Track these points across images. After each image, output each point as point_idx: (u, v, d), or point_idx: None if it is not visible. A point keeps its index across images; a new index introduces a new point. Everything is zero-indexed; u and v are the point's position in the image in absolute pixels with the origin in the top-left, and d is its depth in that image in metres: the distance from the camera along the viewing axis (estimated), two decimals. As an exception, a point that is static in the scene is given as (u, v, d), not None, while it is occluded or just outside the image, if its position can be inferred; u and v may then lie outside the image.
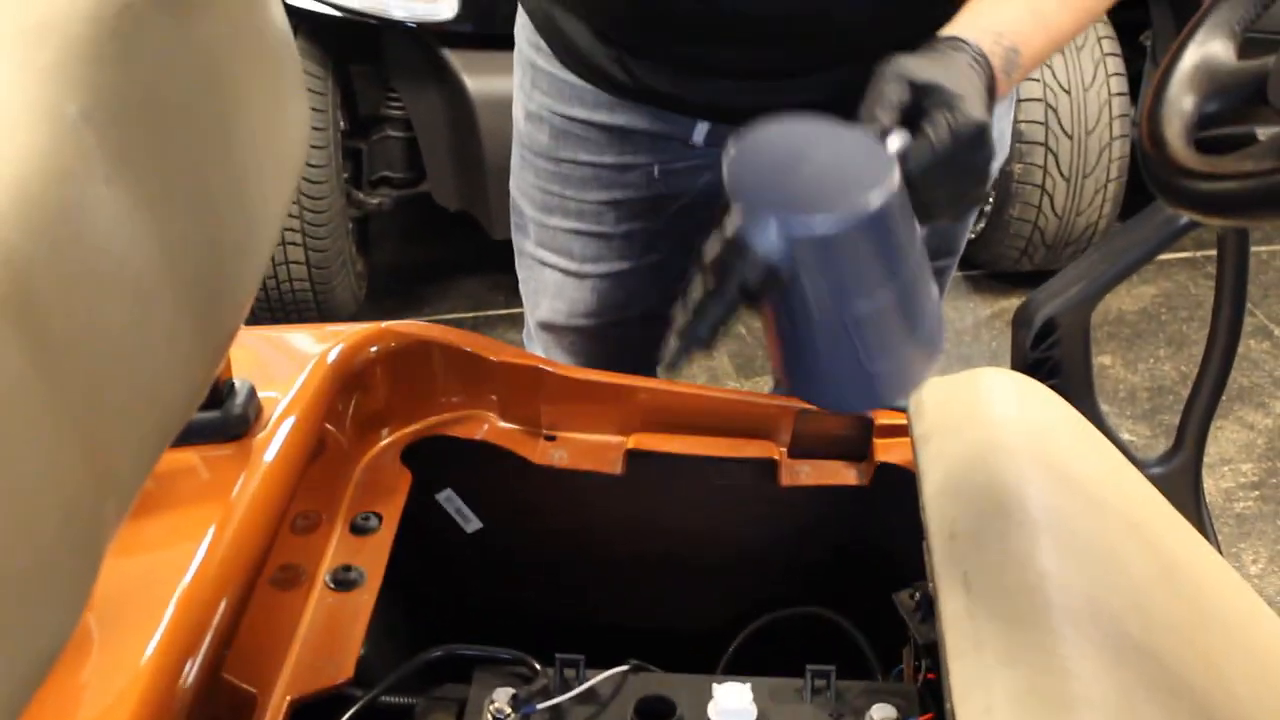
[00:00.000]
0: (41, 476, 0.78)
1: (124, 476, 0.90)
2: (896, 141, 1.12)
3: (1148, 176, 1.01)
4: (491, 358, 1.57)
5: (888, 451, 1.52)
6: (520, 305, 2.05)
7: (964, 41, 1.24)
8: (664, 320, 2.02)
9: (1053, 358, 1.57)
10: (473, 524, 1.61)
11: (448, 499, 1.60)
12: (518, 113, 1.87)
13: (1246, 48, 1.08)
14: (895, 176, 1.05)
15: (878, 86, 1.16)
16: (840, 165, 1.06)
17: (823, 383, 1.16)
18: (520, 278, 2.01)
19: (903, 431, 1.48)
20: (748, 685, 1.32)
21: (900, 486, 1.45)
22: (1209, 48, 1.07)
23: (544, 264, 1.91)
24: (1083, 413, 1.46)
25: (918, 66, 1.17)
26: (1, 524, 0.74)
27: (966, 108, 1.14)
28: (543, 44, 1.77)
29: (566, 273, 1.90)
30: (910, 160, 1.12)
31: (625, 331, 1.93)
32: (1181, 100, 1.04)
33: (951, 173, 1.15)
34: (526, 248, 1.94)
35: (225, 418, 1.31)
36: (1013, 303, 4.05)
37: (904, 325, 1.14)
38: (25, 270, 0.77)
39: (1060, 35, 1.38)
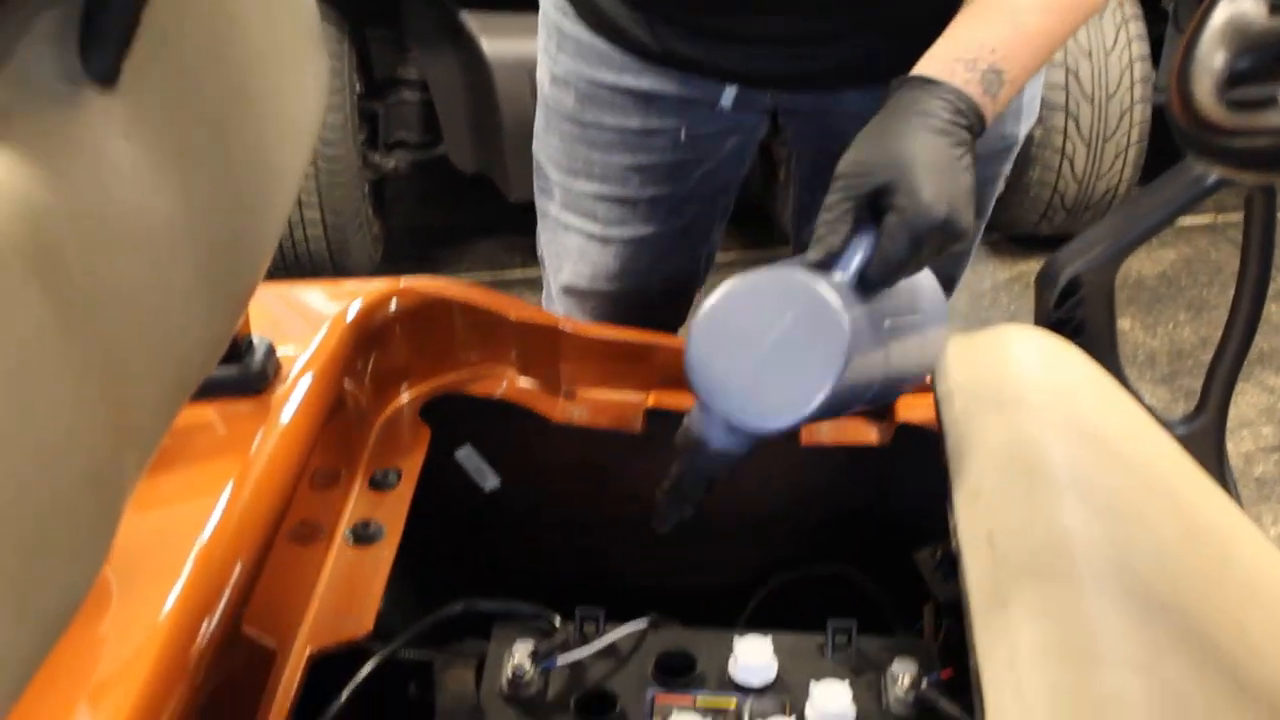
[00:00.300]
0: (62, 428, 0.78)
1: (144, 430, 0.89)
2: (857, 256, 1.16)
3: (1177, 133, 1.00)
4: (510, 315, 1.56)
5: (909, 410, 1.51)
6: (537, 268, 2.04)
7: (936, 83, 1.22)
8: (689, 285, 2.02)
9: (1076, 317, 1.55)
10: (491, 481, 1.61)
11: (466, 456, 1.60)
12: (542, 75, 1.86)
13: (1278, 5, 1.07)
14: (843, 348, 1.12)
15: (829, 198, 1.17)
16: (790, 351, 1.13)
17: None
18: (542, 241, 1.99)
19: (925, 390, 1.47)
20: (768, 640, 1.31)
21: (921, 445, 1.44)
22: (1240, 5, 1.05)
23: (568, 228, 1.90)
24: (1107, 369, 1.45)
25: (872, 160, 1.16)
26: (23, 476, 0.74)
27: (924, 208, 1.14)
28: (569, 7, 1.76)
29: (590, 237, 1.89)
30: (871, 270, 1.16)
31: (649, 297, 1.92)
32: (1212, 57, 1.03)
33: (919, 263, 1.18)
34: (550, 211, 1.93)
35: (244, 373, 1.31)
36: (1031, 266, 4.03)
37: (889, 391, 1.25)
38: (45, 223, 0.77)
39: (1048, 42, 1.36)
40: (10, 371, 0.71)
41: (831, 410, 1.16)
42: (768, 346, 1.14)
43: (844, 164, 1.18)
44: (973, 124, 1.22)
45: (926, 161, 1.17)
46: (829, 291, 1.14)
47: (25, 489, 0.73)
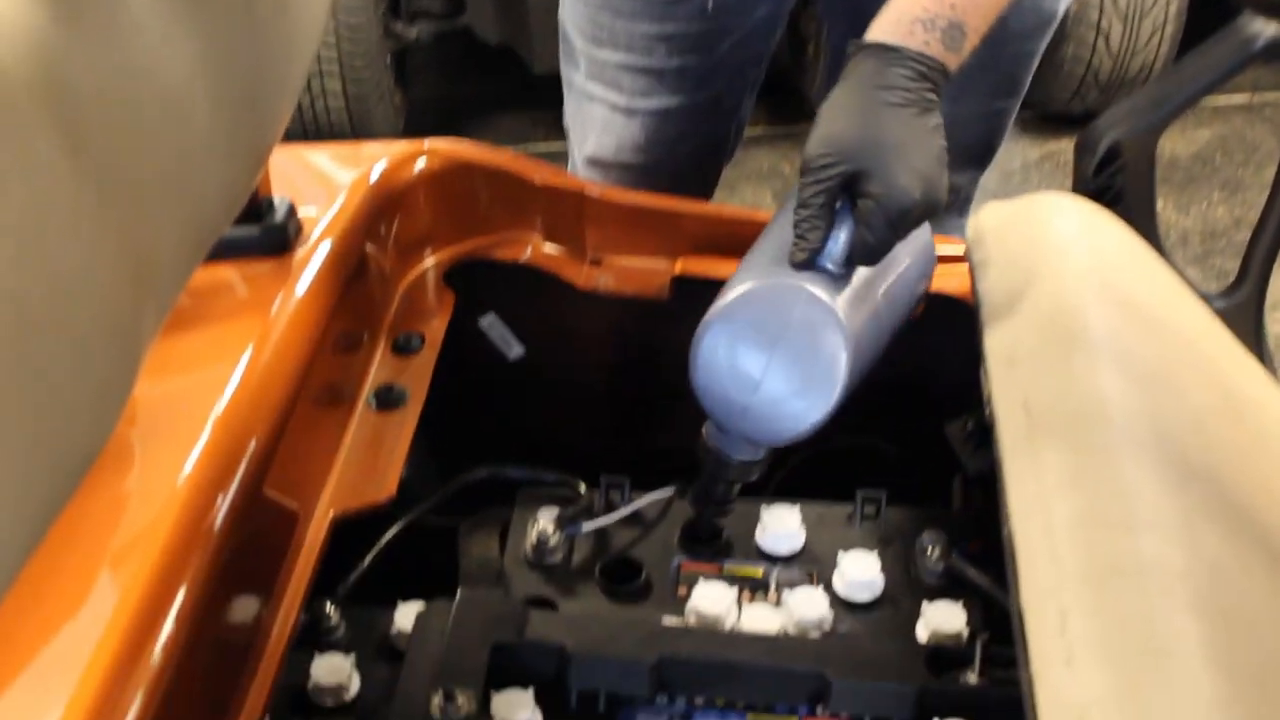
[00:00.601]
0: (78, 271, 0.75)
1: (163, 280, 0.87)
2: (839, 243, 1.15)
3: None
4: (535, 179, 1.53)
5: (941, 280, 1.47)
6: (562, 142, 2.00)
7: (895, 50, 1.16)
8: (716, 157, 1.98)
9: (1115, 185, 1.51)
10: (516, 349, 1.58)
11: (490, 324, 1.57)
12: None
13: None
14: (845, 347, 1.13)
15: (802, 193, 1.15)
16: (794, 359, 1.14)
17: None
18: (567, 112, 1.96)
19: (956, 260, 1.44)
20: (796, 509, 1.30)
21: (953, 317, 1.41)
22: None
23: (592, 98, 1.86)
24: (1145, 239, 1.41)
25: (838, 147, 1.13)
26: (39, 321, 0.71)
27: (897, 192, 1.12)
28: None
29: (615, 108, 1.85)
30: (855, 256, 1.15)
31: (675, 169, 1.88)
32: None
33: (902, 239, 1.16)
34: (575, 80, 1.89)
35: (265, 232, 1.28)
36: (1063, 145, 3.96)
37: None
38: (59, 62, 0.74)
39: None
40: (22, 211, 0.69)
41: (850, 391, 1.17)
42: (772, 359, 1.15)
43: (810, 149, 1.15)
44: (937, 82, 1.17)
45: (894, 143, 1.14)
46: (822, 294, 1.14)
47: (41, 333, 0.71)
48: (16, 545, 0.71)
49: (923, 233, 1.31)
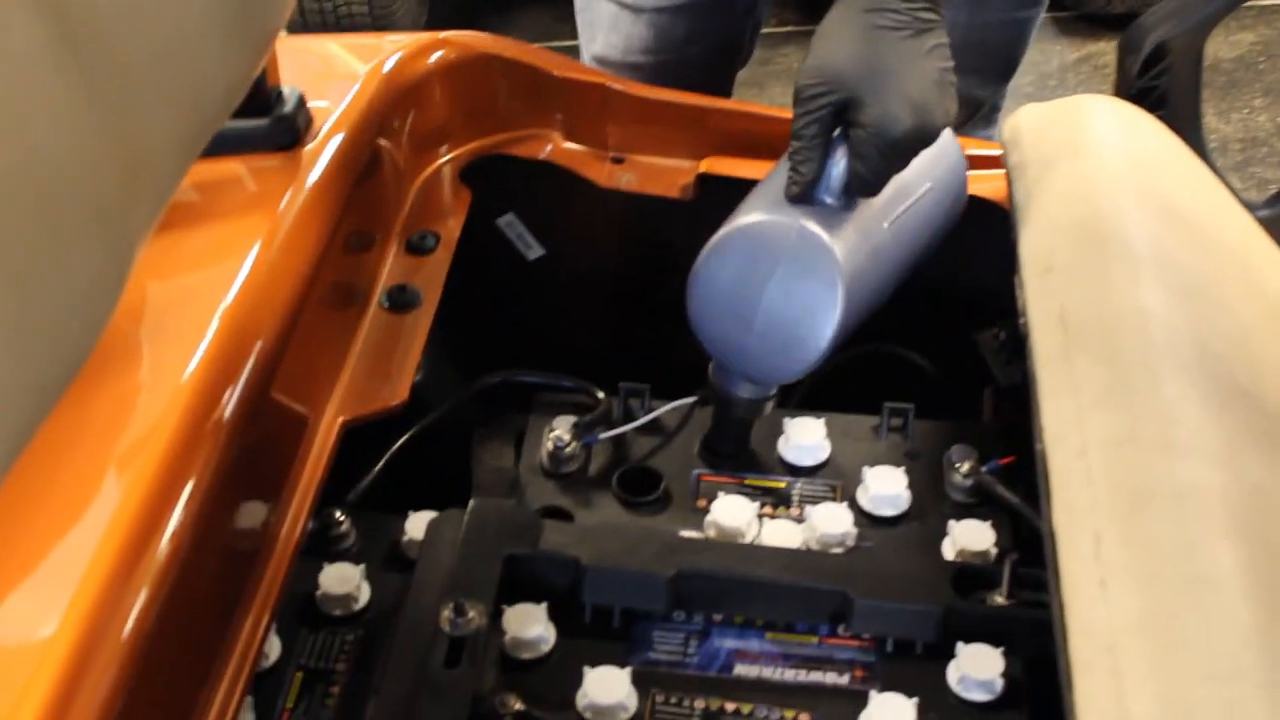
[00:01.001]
0: (62, 165, 0.71)
1: (157, 175, 0.83)
2: (836, 173, 1.12)
3: None
4: (556, 73, 1.48)
5: (975, 184, 1.42)
6: (587, 40, 1.95)
7: None
8: (729, 59, 1.92)
9: (1160, 86, 1.46)
10: (535, 250, 1.54)
11: (509, 224, 1.53)
12: None
13: None
14: (838, 280, 1.10)
15: (795, 124, 1.12)
16: (790, 296, 1.12)
17: None
18: (576, 8, 1.91)
19: (994, 163, 1.39)
20: (821, 421, 1.26)
21: (986, 221, 1.36)
22: None
23: None
24: (1190, 144, 1.36)
25: (826, 76, 1.09)
26: (23, 215, 0.67)
27: (888, 121, 1.08)
28: None
29: (623, 5, 1.80)
30: (853, 188, 1.12)
31: (684, 70, 1.82)
32: None
33: (901, 167, 1.13)
34: None
35: (273, 125, 1.23)
36: (1101, 47, 3.87)
37: None
38: None
39: None
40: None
41: (852, 327, 1.16)
42: (767, 296, 1.12)
43: (802, 79, 1.11)
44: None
45: (885, 68, 1.09)
46: (816, 228, 1.11)
47: (20, 228, 0.67)
48: None
49: (948, 153, 1.26)
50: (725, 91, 1.95)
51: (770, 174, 1.19)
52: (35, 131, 0.68)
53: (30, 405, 0.71)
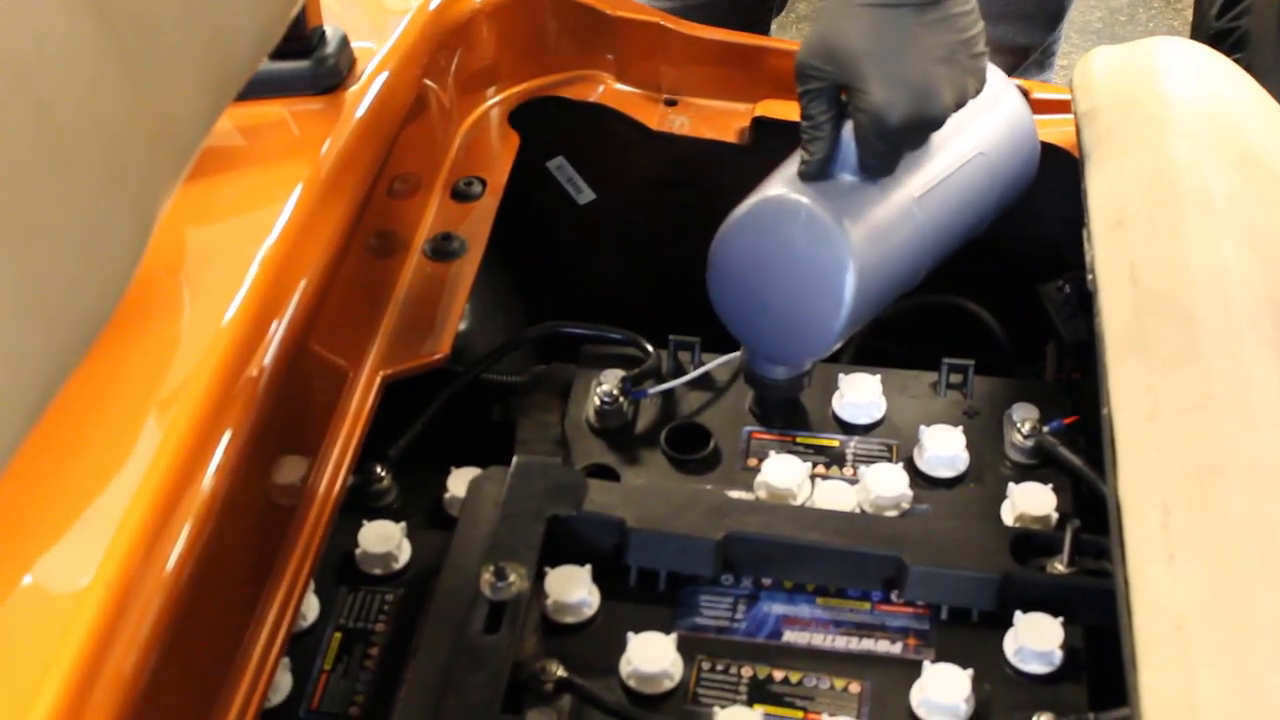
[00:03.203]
0: (82, 116, 0.69)
1: (182, 124, 0.80)
2: (852, 154, 1.08)
3: None
4: (608, 11, 1.43)
5: (1044, 130, 1.36)
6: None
7: None
8: (763, 5, 1.87)
9: (1240, 28, 1.39)
10: (585, 195, 1.50)
11: (559, 167, 1.49)
12: None
13: None
14: (847, 259, 1.07)
15: (802, 101, 1.08)
16: (804, 276, 1.09)
17: None
18: None
19: (1063, 107, 1.34)
20: (877, 377, 1.22)
21: (1055, 168, 1.31)
22: None
23: None
24: (1270, 92, 1.30)
25: (821, 59, 1.05)
26: (37, 169, 0.65)
27: (881, 108, 1.03)
28: None
29: None
30: (863, 166, 1.09)
31: (713, 14, 1.77)
32: None
33: (913, 146, 1.10)
34: None
35: (315, 68, 1.19)
36: (1174, -20, 3.76)
37: None
38: None
39: None
40: (12, 45, 0.61)
41: (876, 308, 1.14)
42: (780, 276, 1.10)
43: (800, 55, 1.07)
44: None
45: (879, 49, 1.03)
46: (823, 210, 1.07)
47: (43, 186, 0.64)
48: (13, 414, 0.65)
49: (1006, 111, 1.21)
50: (764, 31, 1.90)
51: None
52: (50, 83, 0.65)
53: (51, 363, 0.68)
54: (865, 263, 1.08)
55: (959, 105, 1.07)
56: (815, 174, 1.09)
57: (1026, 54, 1.94)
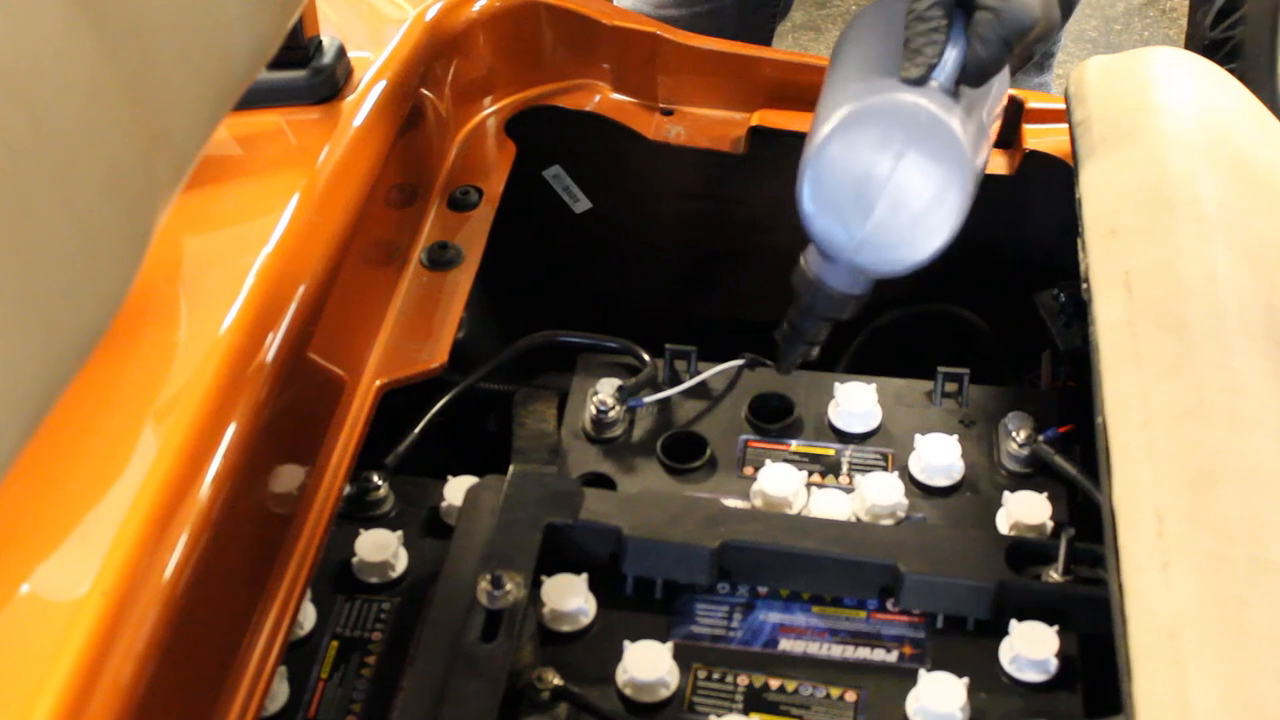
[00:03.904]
0: (80, 127, 0.69)
1: (179, 135, 0.80)
2: (949, 62, 1.04)
3: None
4: (605, 21, 1.44)
5: (1038, 138, 1.37)
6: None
7: None
8: (767, 11, 1.87)
9: (1234, 38, 1.40)
10: (581, 204, 1.51)
11: (555, 176, 1.49)
12: None
13: None
14: (967, 173, 1.03)
15: (918, 5, 1.04)
16: (910, 183, 1.03)
17: None
18: None
19: (1058, 116, 1.34)
20: (872, 385, 1.22)
21: (1050, 177, 1.32)
22: None
23: None
24: (1263, 101, 1.30)
25: None
26: (34, 180, 0.65)
27: (1015, 6, 1.01)
28: None
29: None
30: (967, 76, 1.05)
31: (719, 21, 1.78)
32: None
33: (1010, 61, 1.07)
34: None
35: (312, 78, 1.20)
36: (1169, -11, 3.77)
37: None
38: None
39: None
40: (9, 58, 0.61)
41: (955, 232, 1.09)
42: (886, 182, 1.04)
43: None
44: None
45: None
46: (944, 115, 1.03)
47: (40, 198, 0.65)
48: (11, 423, 0.65)
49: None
50: (766, 40, 1.90)
51: (847, 55, 1.13)
52: (46, 94, 0.65)
53: (49, 372, 0.68)
54: (973, 173, 1.06)
55: (1060, 27, 1.07)
56: (919, 80, 1.05)
57: (1032, 54, 1.94)
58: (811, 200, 1.06)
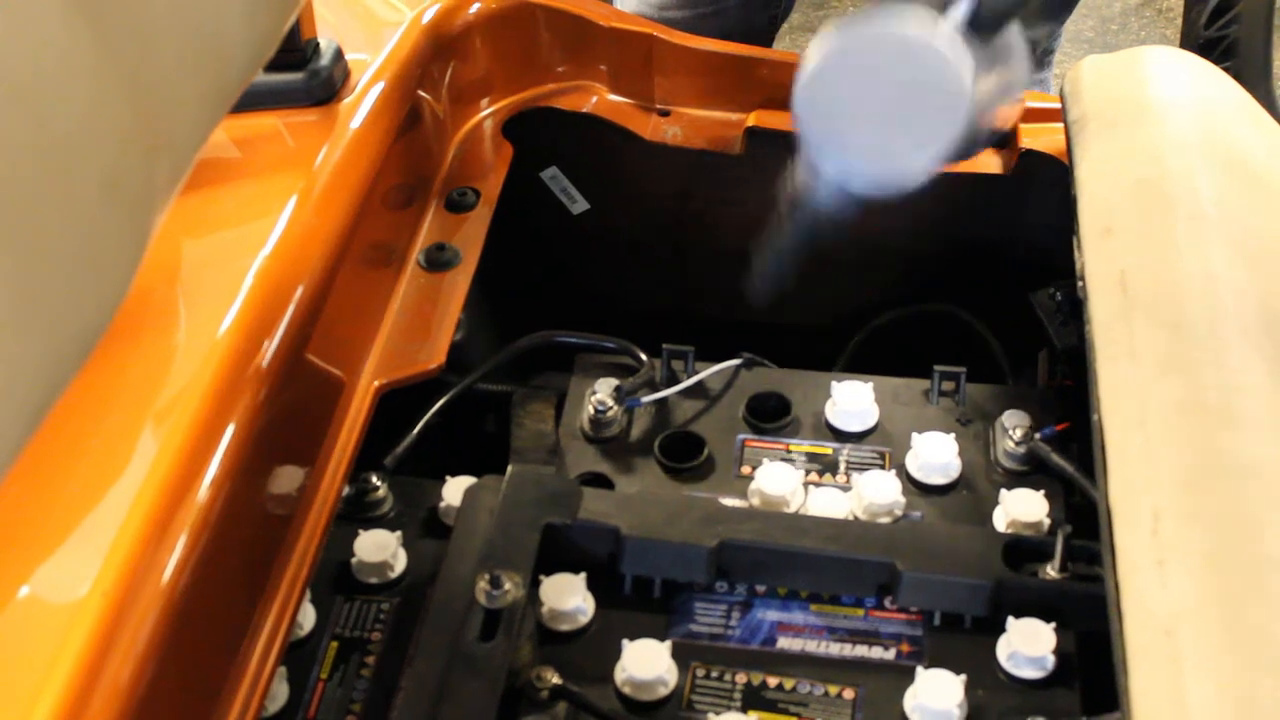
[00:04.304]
0: (79, 130, 0.69)
1: (178, 137, 0.80)
2: (964, 4, 1.02)
3: None
4: (601, 23, 1.44)
5: (1035, 137, 1.37)
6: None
7: None
8: (766, 13, 1.87)
9: (1229, 37, 1.40)
10: (579, 205, 1.51)
11: (553, 177, 1.50)
12: None
13: None
14: (965, 105, 1.01)
15: None
16: (908, 109, 1.03)
17: None
18: None
19: (1054, 115, 1.34)
20: (869, 385, 1.23)
21: (1046, 176, 1.32)
22: None
23: None
24: (1258, 99, 1.30)
25: None
26: (33, 183, 0.65)
27: None
28: None
29: None
30: (983, 14, 1.03)
31: (722, 22, 1.78)
32: None
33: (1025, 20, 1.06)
34: None
35: (310, 80, 1.20)
36: (1166, -11, 3.77)
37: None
38: None
39: None
40: (7, 60, 0.61)
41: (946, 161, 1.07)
42: (884, 104, 1.04)
43: None
44: None
45: None
46: (949, 45, 1.02)
47: (38, 198, 0.65)
48: (11, 425, 0.65)
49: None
50: (768, 44, 1.91)
51: None
52: (46, 96, 0.65)
53: (45, 377, 0.69)
54: (968, 106, 1.03)
55: None
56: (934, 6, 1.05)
57: (1033, 48, 1.94)
58: (807, 112, 1.05)
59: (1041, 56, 1.96)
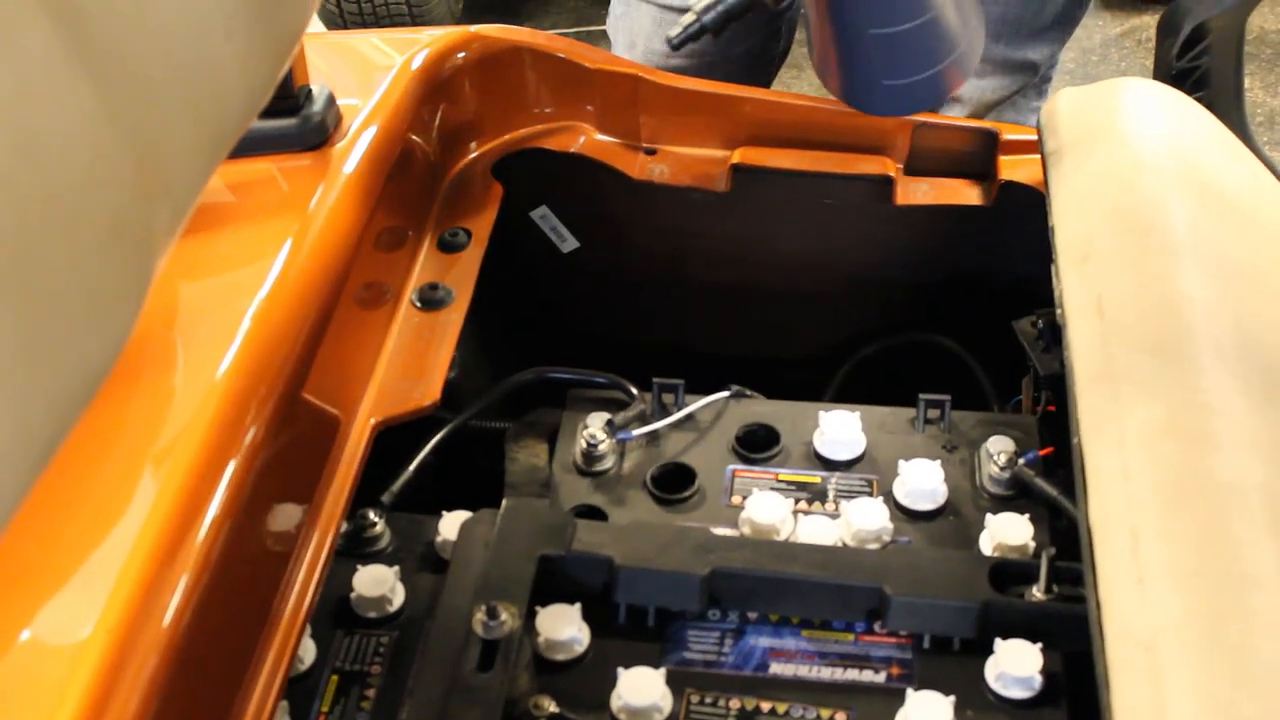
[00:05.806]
0: (83, 179, 0.71)
1: (178, 182, 0.82)
2: None
3: None
4: (588, 64, 1.46)
5: (1014, 169, 1.40)
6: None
7: None
8: (768, 57, 1.90)
9: (1200, 67, 1.43)
10: (569, 243, 1.53)
11: (543, 216, 1.52)
12: None
13: None
14: None
15: None
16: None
17: (848, 85, 1.30)
18: (613, 14, 1.89)
19: (1032, 147, 1.37)
20: (856, 414, 1.25)
21: (1026, 207, 1.34)
22: None
23: None
24: (1231, 128, 1.33)
25: None
26: (40, 232, 0.67)
27: None
28: None
29: (666, 7, 1.79)
30: None
31: (727, 70, 1.81)
32: None
33: None
34: None
35: (303, 125, 1.22)
36: (1145, 21, 3.82)
37: (931, 47, 1.20)
38: None
39: None
40: (11, 106, 0.64)
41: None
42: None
43: None
44: None
45: None
46: None
47: (43, 245, 0.67)
48: (19, 467, 0.67)
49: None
50: (766, 86, 1.94)
51: None
52: (50, 143, 0.67)
53: (53, 418, 0.70)
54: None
55: None
56: None
57: (1034, 72, 1.97)
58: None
59: (1039, 84, 1.99)
